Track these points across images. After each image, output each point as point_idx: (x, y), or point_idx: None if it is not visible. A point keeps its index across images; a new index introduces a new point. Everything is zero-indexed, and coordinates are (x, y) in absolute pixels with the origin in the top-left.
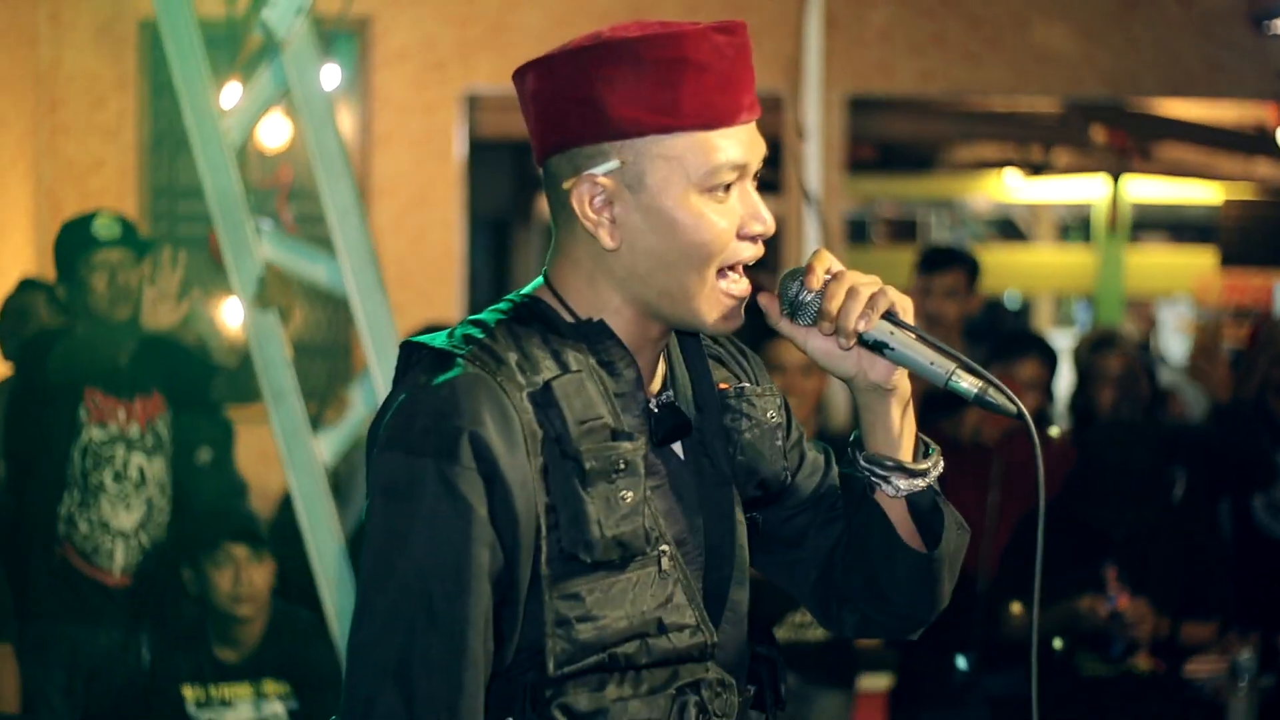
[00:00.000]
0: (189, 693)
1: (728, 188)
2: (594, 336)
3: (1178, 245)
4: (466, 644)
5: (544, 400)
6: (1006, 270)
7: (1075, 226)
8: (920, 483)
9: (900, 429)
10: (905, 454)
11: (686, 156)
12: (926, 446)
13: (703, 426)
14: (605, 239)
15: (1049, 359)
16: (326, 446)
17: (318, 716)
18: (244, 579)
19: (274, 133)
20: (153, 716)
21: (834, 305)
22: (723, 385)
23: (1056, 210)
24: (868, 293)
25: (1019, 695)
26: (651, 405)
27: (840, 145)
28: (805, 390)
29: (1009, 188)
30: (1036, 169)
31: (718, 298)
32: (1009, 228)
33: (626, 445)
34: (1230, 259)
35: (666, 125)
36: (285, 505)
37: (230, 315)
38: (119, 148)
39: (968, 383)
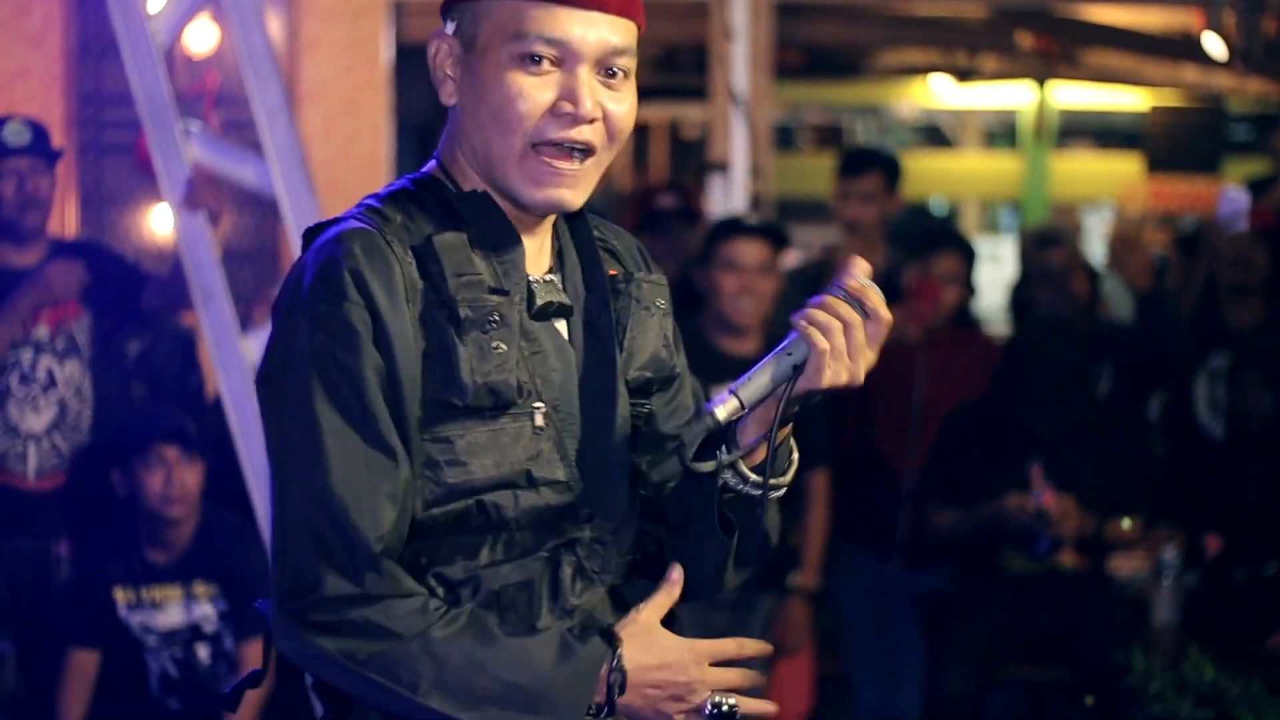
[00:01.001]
0: (120, 595)
1: (552, 62)
2: (479, 207)
3: (1104, 152)
4: (373, 446)
5: (425, 253)
6: (933, 176)
7: (1001, 133)
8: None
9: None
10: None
11: (507, 21)
12: (788, 458)
13: (590, 307)
14: (445, 95)
15: (966, 253)
16: (256, 347)
17: (250, 617)
18: (176, 480)
19: (201, 38)
20: (83, 620)
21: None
22: (612, 271)
23: (983, 116)
24: None
25: (945, 593)
26: (531, 281)
27: (767, 50)
28: (762, 290)
29: (936, 94)
30: (963, 75)
31: (531, 170)
32: (935, 134)
33: (501, 300)
34: (1156, 165)
35: None
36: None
37: (158, 223)
38: (44, 55)
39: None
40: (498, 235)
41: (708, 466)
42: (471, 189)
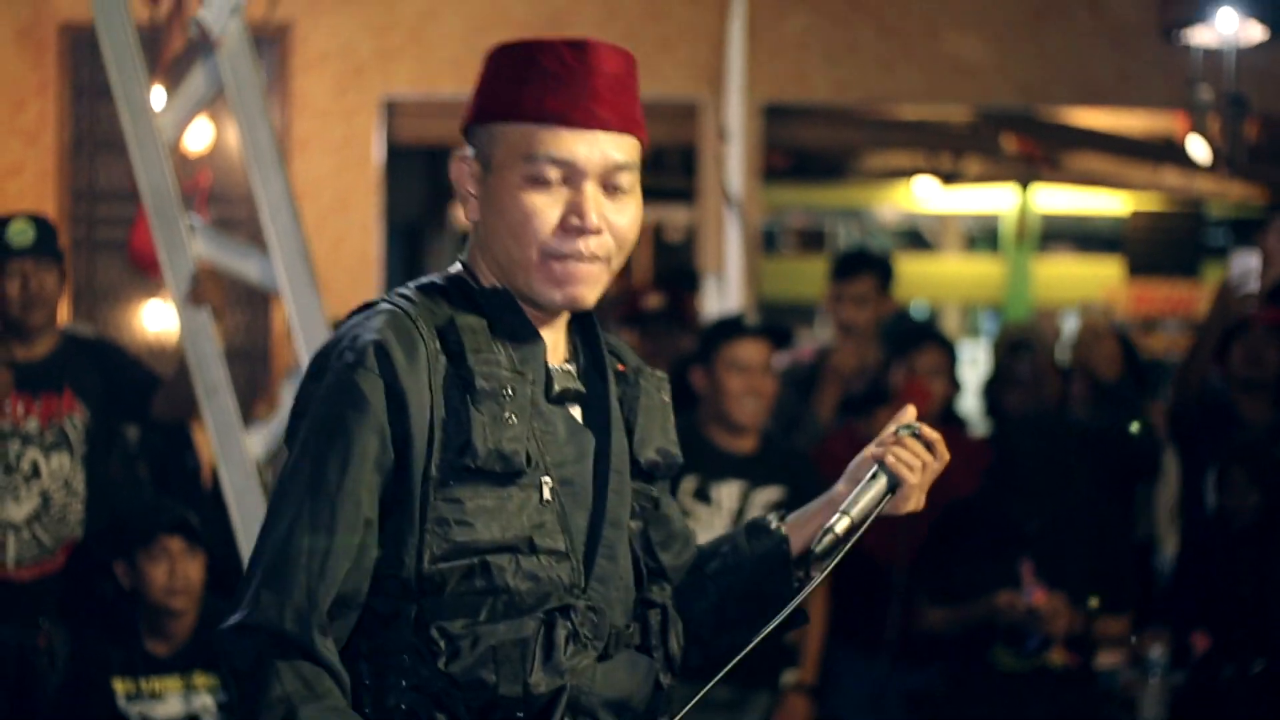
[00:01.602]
0: (119, 685)
1: (561, 180)
2: (500, 301)
3: (1085, 255)
4: (340, 510)
5: (448, 332)
6: (914, 280)
7: (983, 237)
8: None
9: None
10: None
11: (518, 144)
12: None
13: (602, 395)
14: (468, 212)
15: (946, 347)
16: (257, 442)
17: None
18: (179, 572)
19: (196, 136)
20: (82, 710)
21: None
22: (620, 367)
23: (965, 220)
24: None
25: (935, 691)
26: (549, 368)
27: (756, 153)
28: (765, 390)
29: (918, 197)
30: (947, 178)
31: (548, 274)
32: (916, 238)
33: (516, 378)
34: (1137, 269)
35: (507, 115)
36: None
37: (150, 319)
38: (38, 151)
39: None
40: (516, 327)
41: (825, 563)
42: (493, 286)
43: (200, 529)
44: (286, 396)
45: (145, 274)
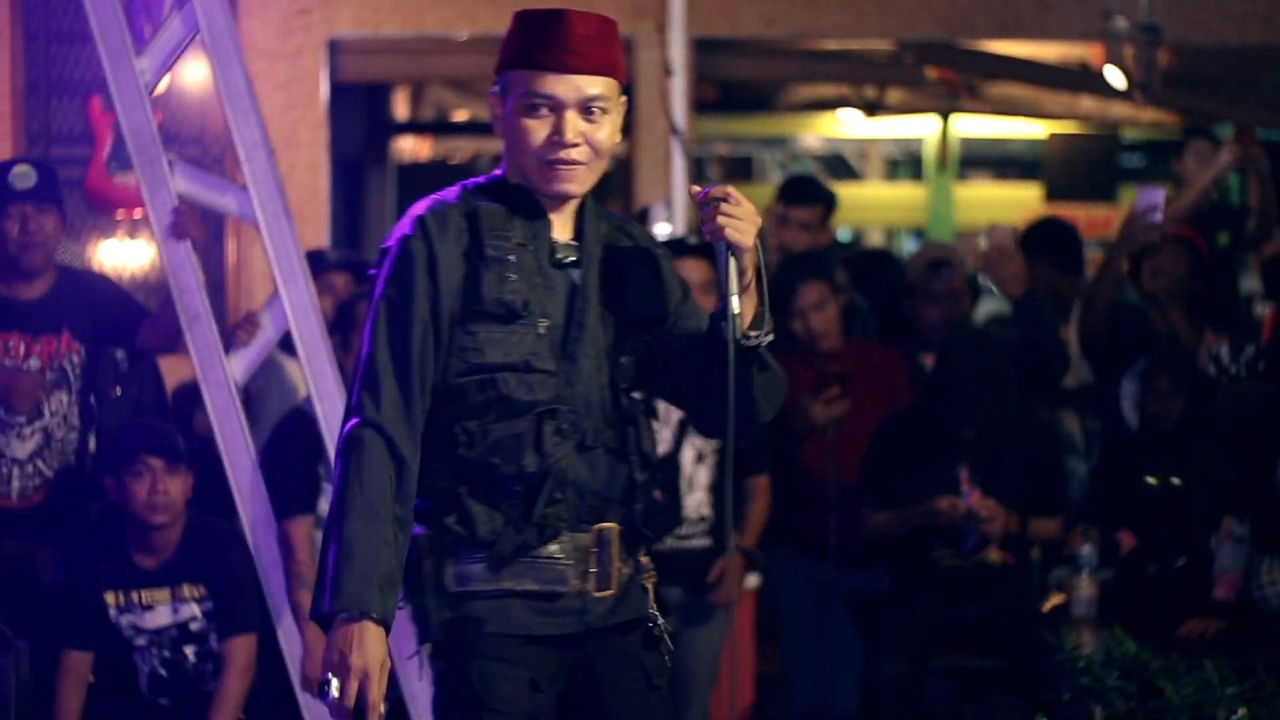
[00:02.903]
0: (110, 598)
1: (548, 109)
2: (518, 193)
3: (1004, 181)
4: (410, 329)
5: (473, 216)
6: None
7: (905, 163)
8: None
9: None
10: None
11: (518, 85)
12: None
13: (602, 261)
14: (497, 129)
15: (825, 274)
16: (238, 365)
17: (231, 615)
18: (160, 489)
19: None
20: (77, 622)
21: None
22: (625, 244)
23: (888, 147)
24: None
25: (879, 589)
26: (555, 241)
27: (689, 86)
28: (705, 306)
29: (842, 125)
30: (870, 108)
31: (545, 174)
32: (840, 166)
33: (522, 248)
34: (1054, 194)
35: (513, 64)
36: None
37: (106, 255)
38: None
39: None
40: (529, 209)
41: (753, 336)
42: (516, 183)
43: (182, 449)
44: (266, 320)
45: (100, 212)
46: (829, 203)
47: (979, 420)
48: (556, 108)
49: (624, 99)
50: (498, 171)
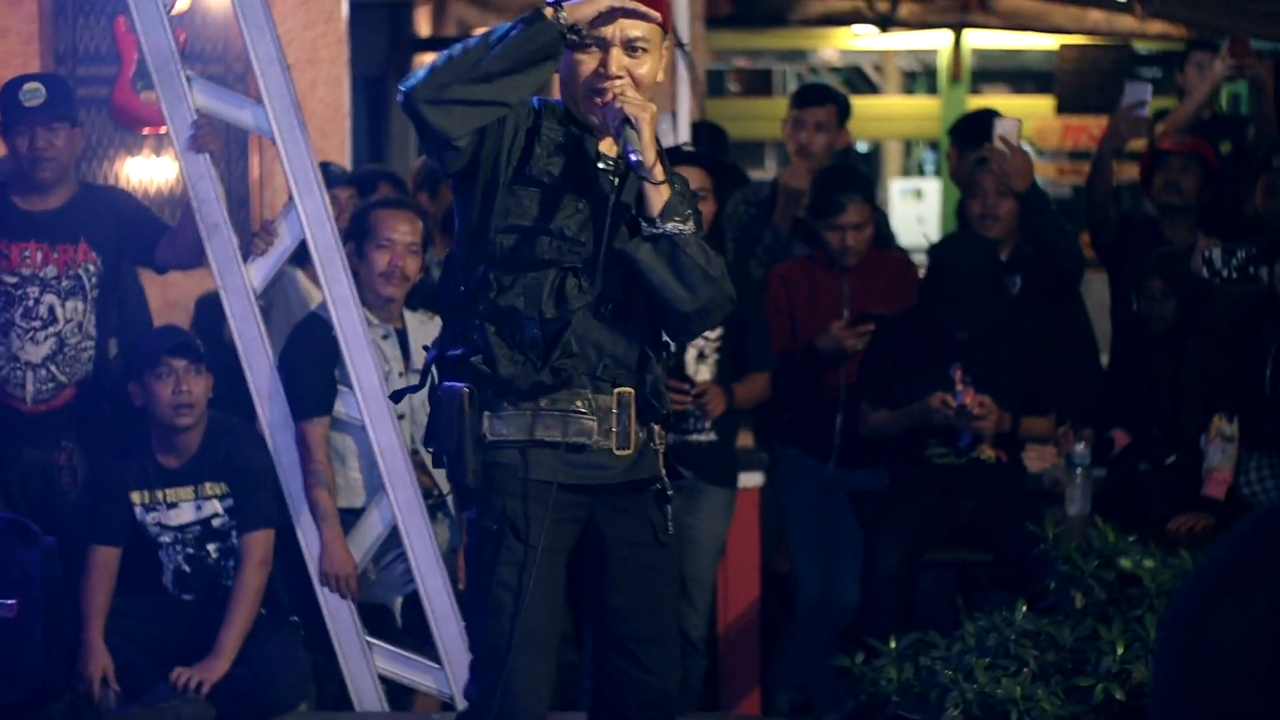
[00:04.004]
0: (136, 497)
1: (596, 46)
2: (568, 114)
3: (1017, 94)
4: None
5: (538, 117)
6: (857, 120)
7: (921, 77)
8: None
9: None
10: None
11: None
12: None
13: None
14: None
15: (865, 194)
16: (256, 273)
17: (250, 510)
18: (184, 388)
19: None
20: (104, 520)
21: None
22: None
23: (903, 60)
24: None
25: (875, 489)
26: (600, 151)
27: (699, 1)
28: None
29: (857, 39)
30: (884, 22)
31: (591, 105)
32: (859, 79)
33: (569, 140)
34: (1066, 106)
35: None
36: None
37: (133, 171)
38: (21, 16)
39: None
40: (579, 125)
41: (659, 224)
42: (567, 109)
43: (202, 350)
44: (283, 229)
45: (127, 128)
46: (842, 105)
47: (970, 321)
48: (603, 46)
49: (668, 42)
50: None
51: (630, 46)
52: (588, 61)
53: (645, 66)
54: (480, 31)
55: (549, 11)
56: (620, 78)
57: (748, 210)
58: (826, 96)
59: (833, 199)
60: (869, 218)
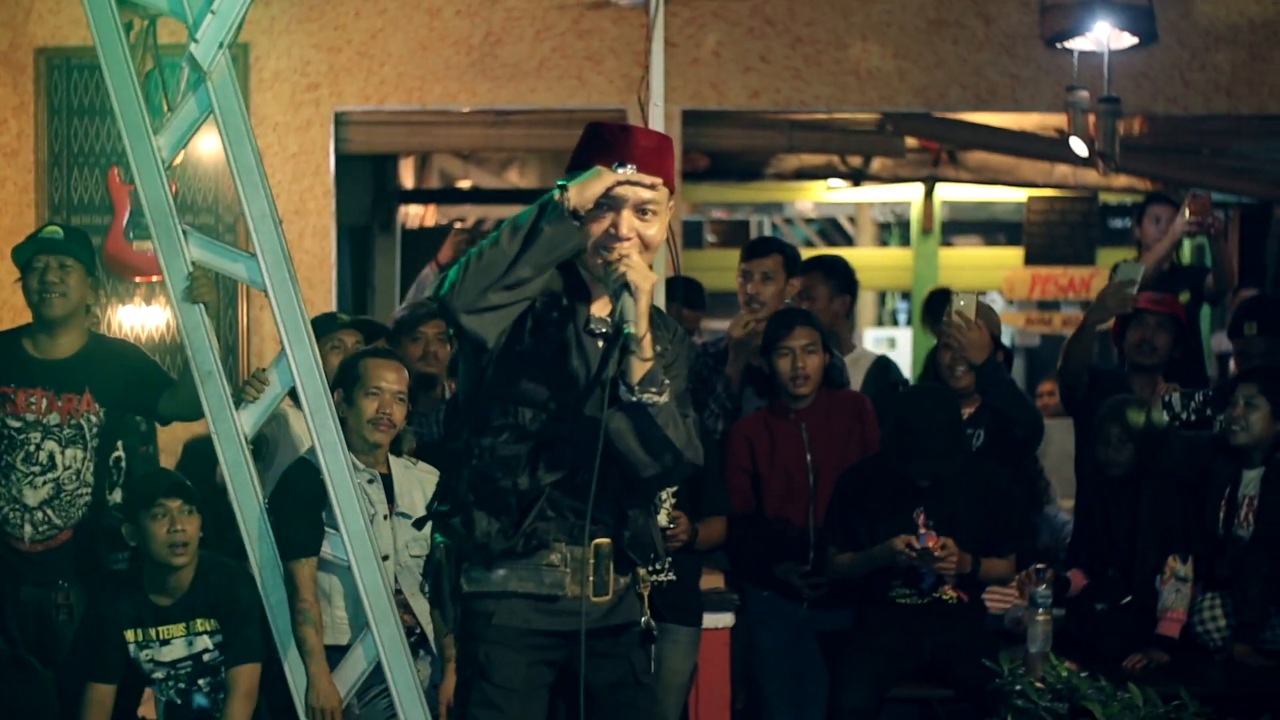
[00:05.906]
0: (130, 635)
1: (608, 208)
2: (573, 270)
3: (989, 245)
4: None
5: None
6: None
7: (896, 228)
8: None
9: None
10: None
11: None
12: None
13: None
14: None
15: (813, 323)
16: (247, 419)
17: (238, 645)
18: (179, 528)
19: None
20: (100, 658)
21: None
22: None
23: (877, 211)
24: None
25: (844, 630)
26: (591, 315)
27: (677, 155)
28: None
29: (831, 192)
30: (857, 176)
31: (597, 257)
32: (833, 232)
33: (563, 311)
34: (1034, 257)
35: (580, 166)
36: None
37: (124, 319)
38: (18, 167)
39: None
40: (574, 287)
41: (636, 390)
42: (563, 265)
43: (195, 492)
44: (274, 378)
45: (119, 277)
46: (789, 254)
47: (932, 470)
48: (615, 207)
49: (672, 202)
50: None
51: (641, 210)
52: (600, 220)
53: (654, 228)
54: (500, 220)
55: (559, 195)
56: (630, 239)
57: (705, 361)
58: (773, 247)
59: (781, 327)
60: (818, 341)
